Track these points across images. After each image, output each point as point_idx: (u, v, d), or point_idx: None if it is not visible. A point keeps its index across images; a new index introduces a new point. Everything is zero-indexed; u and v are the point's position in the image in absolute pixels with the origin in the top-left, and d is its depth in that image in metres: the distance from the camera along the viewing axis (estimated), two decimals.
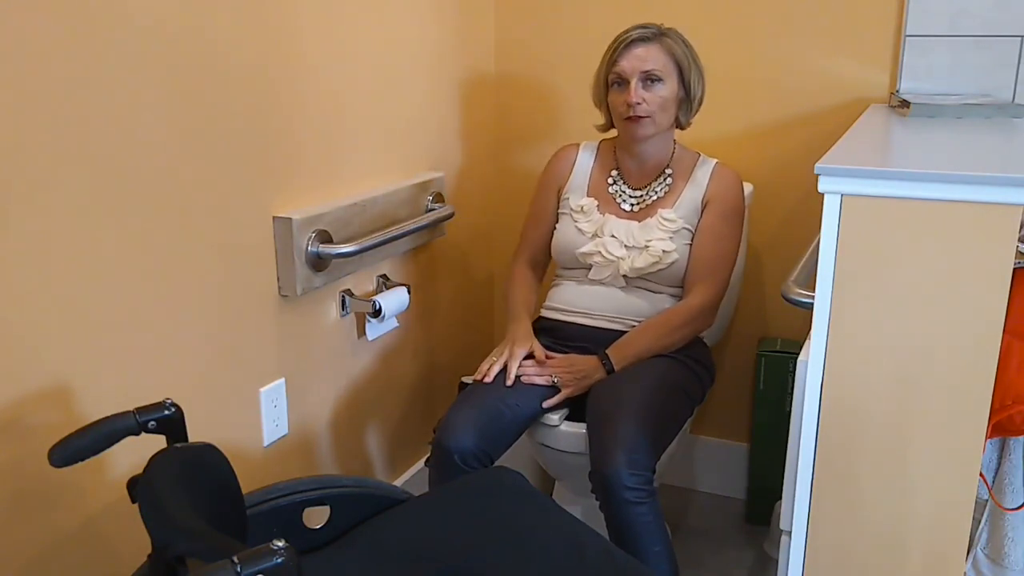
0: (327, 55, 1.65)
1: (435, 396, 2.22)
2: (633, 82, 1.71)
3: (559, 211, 1.90)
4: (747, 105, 2.10)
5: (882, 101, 1.98)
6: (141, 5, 1.25)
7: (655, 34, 1.73)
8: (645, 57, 1.71)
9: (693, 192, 1.80)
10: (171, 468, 1.00)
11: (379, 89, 1.83)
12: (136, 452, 1.16)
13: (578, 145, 1.93)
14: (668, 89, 1.73)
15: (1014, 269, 1.12)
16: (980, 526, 1.46)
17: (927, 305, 1.15)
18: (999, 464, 1.42)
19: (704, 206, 1.79)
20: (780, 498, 1.34)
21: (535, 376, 1.70)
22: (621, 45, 1.73)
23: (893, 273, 1.15)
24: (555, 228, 1.89)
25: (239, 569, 0.75)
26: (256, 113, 1.49)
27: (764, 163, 2.11)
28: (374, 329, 1.88)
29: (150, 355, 1.34)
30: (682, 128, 1.82)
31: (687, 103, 1.78)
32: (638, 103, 1.71)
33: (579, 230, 1.83)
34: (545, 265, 1.96)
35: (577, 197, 1.86)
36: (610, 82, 1.77)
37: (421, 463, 2.06)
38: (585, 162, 1.90)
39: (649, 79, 1.72)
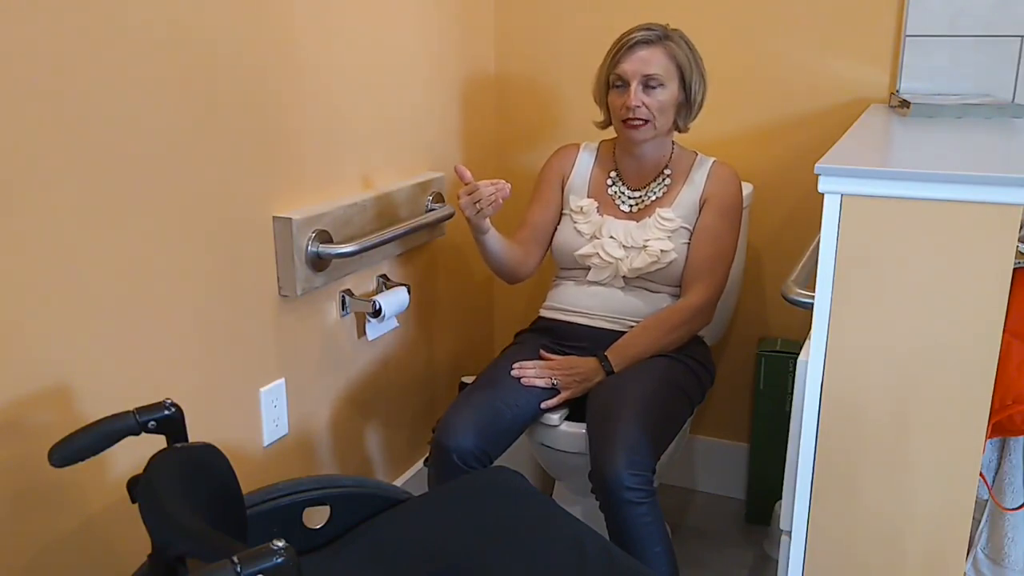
0: (327, 55, 1.65)
1: (435, 396, 2.22)
2: (633, 85, 1.71)
3: (560, 211, 1.90)
4: (747, 105, 2.10)
5: (882, 101, 1.98)
6: (141, 5, 1.25)
7: (659, 36, 1.72)
8: (647, 60, 1.71)
9: (691, 191, 1.80)
10: (171, 468, 1.00)
11: (379, 89, 1.83)
12: (136, 452, 1.16)
13: (578, 145, 1.92)
14: (668, 93, 1.73)
15: (1014, 269, 1.12)
16: (980, 526, 1.46)
17: (927, 305, 1.15)
18: (999, 464, 1.42)
19: (702, 205, 1.79)
20: (780, 498, 1.34)
21: (535, 378, 1.70)
22: (624, 46, 1.72)
23: (893, 273, 1.15)
24: (557, 224, 1.88)
25: (239, 569, 0.75)
26: (256, 113, 1.49)
27: (764, 163, 2.11)
28: (374, 329, 1.88)
29: (150, 355, 1.34)
30: (680, 131, 1.81)
31: (687, 107, 1.77)
32: (637, 106, 1.70)
33: (578, 231, 1.83)
34: (536, 247, 1.87)
35: (577, 198, 1.86)
36: (611, 82, 1.76)
37: (421, 463, 2.06)
38: (585, 163, 1.89)
39: (650, 83, 1.71)
